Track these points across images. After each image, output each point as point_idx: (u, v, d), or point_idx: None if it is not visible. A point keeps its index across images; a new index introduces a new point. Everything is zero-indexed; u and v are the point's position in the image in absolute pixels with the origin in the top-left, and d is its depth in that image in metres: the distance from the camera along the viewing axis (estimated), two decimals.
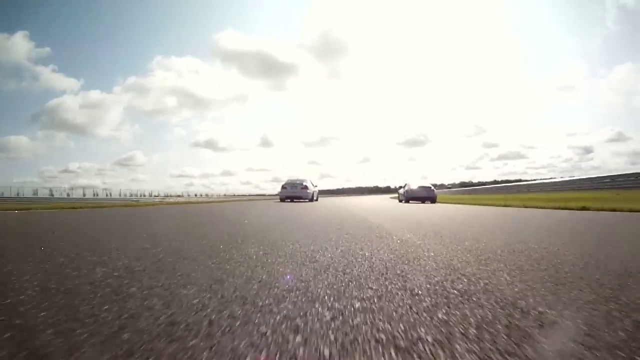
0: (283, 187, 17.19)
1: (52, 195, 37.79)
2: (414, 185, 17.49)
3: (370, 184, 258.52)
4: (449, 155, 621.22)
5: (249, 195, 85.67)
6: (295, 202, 16.14)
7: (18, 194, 35.64)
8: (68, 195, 40.23)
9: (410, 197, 17.18)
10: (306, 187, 16.97)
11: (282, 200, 17.05)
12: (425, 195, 16.79)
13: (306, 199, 16.88)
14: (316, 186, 19.50)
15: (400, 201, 18.03)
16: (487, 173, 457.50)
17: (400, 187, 20.23)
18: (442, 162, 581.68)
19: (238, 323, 0.89)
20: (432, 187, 17.30)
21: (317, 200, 19.19)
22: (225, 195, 66.94)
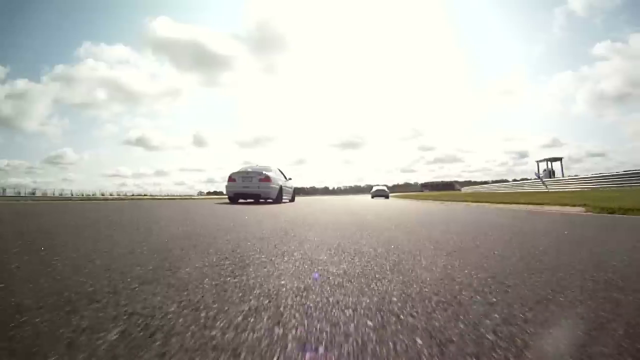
0: (231, 178, 10.76)
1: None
2: (376, 188, 31.20)
3: (307, 185, 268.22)
4: (385, 158, 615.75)
5: (180, 196, 67.57)
6: (265, 203, 10.23)
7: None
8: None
9: (374, 195, 30.01)
10: (268, 179, 10.51)
11: (232, 200, 10.96)
12: (382, 194, 29.72)
13: (268, 198, 10.70)
14: (290, 179, 13.33)
15: (371, 197, 28.22)
16: (422, 176, 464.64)
17: (371, 188, 32.57)
18: (377, 164, 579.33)
19: None
20: (386, 189, 30.94)
21: (292, 200, 13.62)
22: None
